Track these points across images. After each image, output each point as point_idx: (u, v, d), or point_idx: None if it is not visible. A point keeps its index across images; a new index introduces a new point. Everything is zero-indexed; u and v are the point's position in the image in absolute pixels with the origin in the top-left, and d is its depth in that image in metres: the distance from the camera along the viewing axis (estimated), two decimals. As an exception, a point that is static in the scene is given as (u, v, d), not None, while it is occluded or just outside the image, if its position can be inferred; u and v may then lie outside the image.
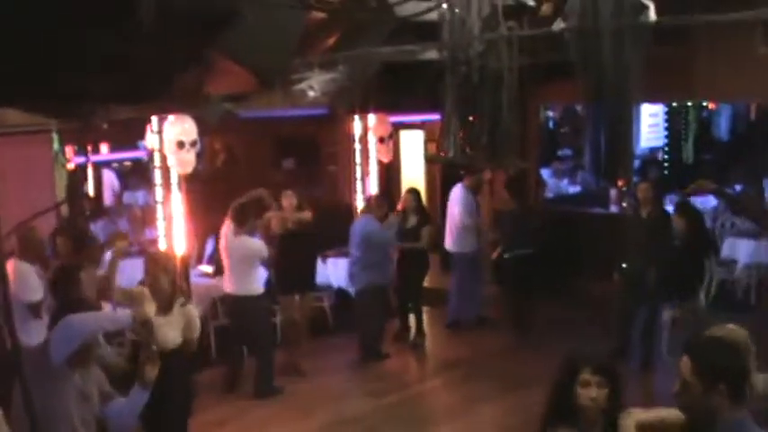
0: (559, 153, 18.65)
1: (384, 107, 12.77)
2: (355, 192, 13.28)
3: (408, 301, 11.93)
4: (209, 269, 11.42)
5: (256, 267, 9.78)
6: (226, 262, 9.79)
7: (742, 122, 20.10)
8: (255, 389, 9.72)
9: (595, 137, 12.92)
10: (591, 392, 3.73)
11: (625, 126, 11.96)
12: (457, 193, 12.26)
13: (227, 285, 9.80)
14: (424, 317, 12.04)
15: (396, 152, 14.41)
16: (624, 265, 10.40)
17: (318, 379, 10.25)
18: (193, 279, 10.84)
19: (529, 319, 11.91)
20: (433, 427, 9.05)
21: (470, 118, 9.02)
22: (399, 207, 11.83)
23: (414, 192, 11.87)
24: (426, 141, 14.93)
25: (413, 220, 11.56)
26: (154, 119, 10.14)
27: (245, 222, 9.65)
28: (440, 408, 9.86)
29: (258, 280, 9.84)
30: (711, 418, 3.40)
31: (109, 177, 13.84)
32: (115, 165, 14.07)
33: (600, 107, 10.48)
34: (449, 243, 12.44)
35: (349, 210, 13.14)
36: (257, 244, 9.77)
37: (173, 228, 10.36)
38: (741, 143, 19.27)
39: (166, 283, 6.60)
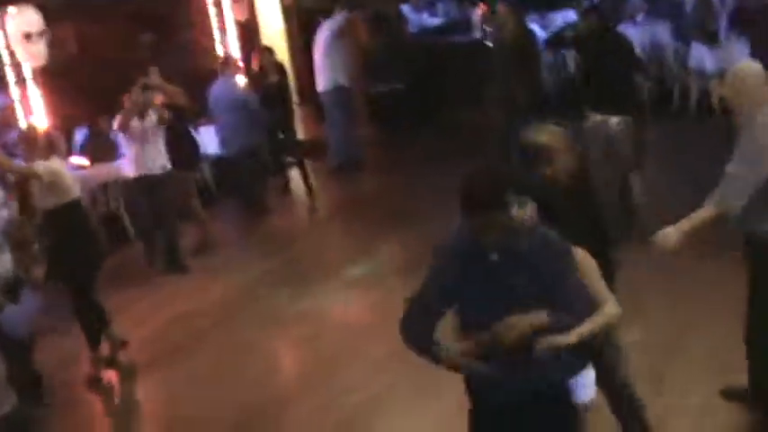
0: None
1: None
2: (216, 55, 12.96)
3: (284, 153, 11.94)
4: (84, 161, 11.03)
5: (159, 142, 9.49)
6: (130, 144, 9.41)
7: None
8: (165, 265, 9.67)
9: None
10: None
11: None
12: (319, 36, 12.11)
13: (134, 167, 9.47)
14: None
15: (251, 9, 14.06)
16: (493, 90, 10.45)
17: (220, 250, 10.21)
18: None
19: (393, 156, 12.01)
20: (337, 271, 9.12)
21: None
22: (257, 66, 11.69)
23: (269, 49, 11.81)
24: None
25: (273, 77, 11.46)
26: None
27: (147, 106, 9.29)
28: (339, 252, 9.97)
29: (164, 156, 9.56)
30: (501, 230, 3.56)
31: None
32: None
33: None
34: (318, 85, 12.29)
35: (214, 75, 12.84)
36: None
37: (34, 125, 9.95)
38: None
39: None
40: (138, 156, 9.37)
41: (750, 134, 4.99)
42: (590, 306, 3.77)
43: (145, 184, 9.51)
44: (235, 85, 10.90)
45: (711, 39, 12.67)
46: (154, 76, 10.05)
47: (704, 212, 5.12)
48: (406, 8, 16.32)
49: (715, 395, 5.64)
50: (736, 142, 5.09)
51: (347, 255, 9.67)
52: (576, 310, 3.68)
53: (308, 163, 12.11)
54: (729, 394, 5.59)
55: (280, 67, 11.70)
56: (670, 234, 5.10)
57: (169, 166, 9.49)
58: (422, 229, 8.95)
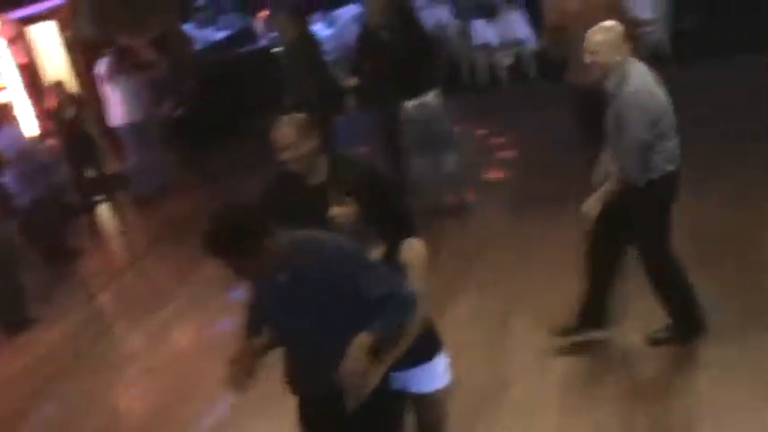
0: (196, 4, 18.31)
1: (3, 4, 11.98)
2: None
3: (93, 190, 11.64)
4: None
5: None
6: None
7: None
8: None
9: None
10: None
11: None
12: (100, 69, 11.82)
13: None
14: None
15: (30, 50, 13.58)
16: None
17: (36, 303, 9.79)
18: None
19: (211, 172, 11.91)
20: (161, 301, 8.94)
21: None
22: (51, 104, 11.35)
23: (59, 83, 11.48)
24: (62, 28, 14.16)
25: (71, 111, 11.16)
26: None
27: None
28: (160, 282, 9.74)
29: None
30: (267, 261, 3.59)
31: None
32: None
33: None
34: (111, 118, 11.97)
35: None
36: None
37: None
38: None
39: None
40: None
41: (621, 105, 5.21)
42: (401, 298, 3.76)
43: None
44: (19, 132, 10.48)
45: (490, 13, 13.08)
46: None
47: (610, 182, 5.39)
48: (189, 27, 16.18)
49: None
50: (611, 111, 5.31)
51: (169, 284, 9.49)
52: (387, 308, 3.69)
53: (118, 197, 11.85)
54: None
55: (76, 101, 11.36)
56: (592, 203, 5.40)
57: None
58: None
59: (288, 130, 4.32)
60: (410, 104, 8.62)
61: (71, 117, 11.13)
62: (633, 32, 7.79)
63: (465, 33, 13.16)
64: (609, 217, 5.44)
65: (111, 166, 12.55)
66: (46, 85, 12.40)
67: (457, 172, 8.87)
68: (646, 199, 5.40)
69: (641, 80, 5.21)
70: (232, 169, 12.05)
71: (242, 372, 3.83)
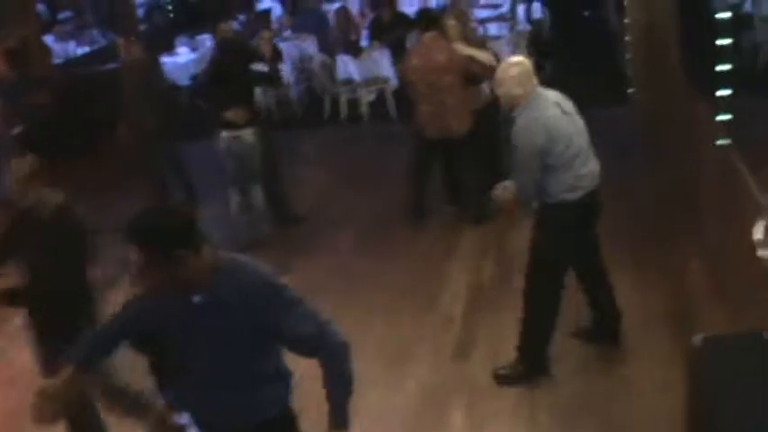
0: (60, 16, 17.92)
1: None
2: None
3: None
4: None
5: None
6: None
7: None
8: None
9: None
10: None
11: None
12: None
13: None
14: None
15: None
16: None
17: None
18: None
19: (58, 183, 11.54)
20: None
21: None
22: None
23: None
24: None
25: None
26: None
27: None
28: None
29: None
30: (186, 278, 3.34)
31: None
32: None
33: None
34: None
35: None
36: None
37: None
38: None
39: None
40: None
41: (517, 141, 5.47)
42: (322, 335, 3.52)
43: None
44: None
45: (355, 49, 13.22)
46: None
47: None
48: (50, 38, 15.76)
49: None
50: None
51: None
52: (310, 346, 3.49)
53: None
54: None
55: None
56: (504, 190, 5.66)
57: None
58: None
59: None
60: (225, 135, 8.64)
61: None
62: (481, 80, 8.28)
63: (329, 67, 13.24)
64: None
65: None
66: None
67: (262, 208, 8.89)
68: (540, 222, 5.68)
69: (539, 111, 5.43)
70: (80, 184, 11.71)
71: (58, 405, 3.51)
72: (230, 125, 8.56)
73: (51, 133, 11.43)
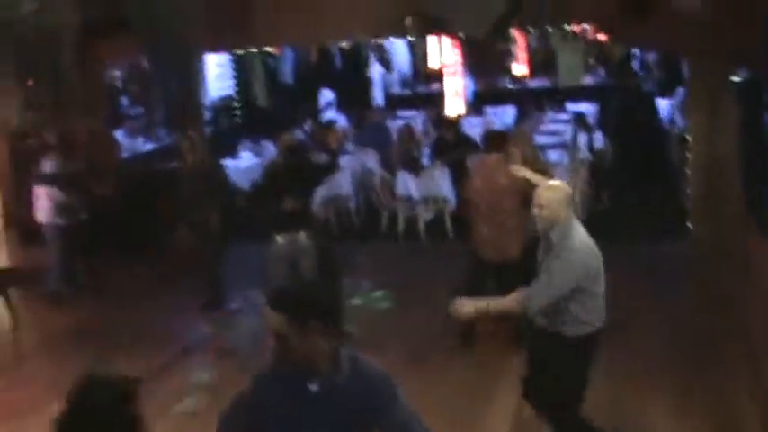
0: (131, 112, 18.37)
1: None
2: None
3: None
4: None
5: None
6: None
7: (305, 66, 20.99)
8: None
9: (160, 90, 12.91)
10: None
11: (187, 76, 12.12)
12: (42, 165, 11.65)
13: None
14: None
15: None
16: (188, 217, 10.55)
17: None
18: None
19: (107, 282, 11.70)
20: (43, 406, 8.54)
21: (30, 81, 8.63)
22: None
23: None
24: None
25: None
26: None
27: None
28: (45, 389, 9.33)
29: None
30: (312, 358, 3.49)
31: None
32: None
33: (160, 60, 10.48)
34: (40, 215, 11.73)
35: None
36: None
37: None
38: (304, 85, 20.17)
39: None
40: None
41: (560, 254, 5.50)
42: None
43: None
44: None
45: (415, 167, 13.34)
46: None
47: (507, 303, 5.68)
48: (120, 133, 16.14)
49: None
50: (546, 256, 5.62)
51: (55, 391, 9.02)
52: None
53: (14, 292, 11.48)
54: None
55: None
56: (466, 304, 5.63)
57: None
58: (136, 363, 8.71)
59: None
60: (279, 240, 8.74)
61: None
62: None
63: (389, 183, 13.36)
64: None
65: (16, 260, 12.21)
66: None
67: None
68: (564, 356, 5.64)
69: (584, 238, 5.57)
70: (142, 284, 11.86)
71: None
72: (285, 230, 8.65)
73: (110, 226, 11.63)
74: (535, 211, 5.62)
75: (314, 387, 3.50)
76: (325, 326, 3.48)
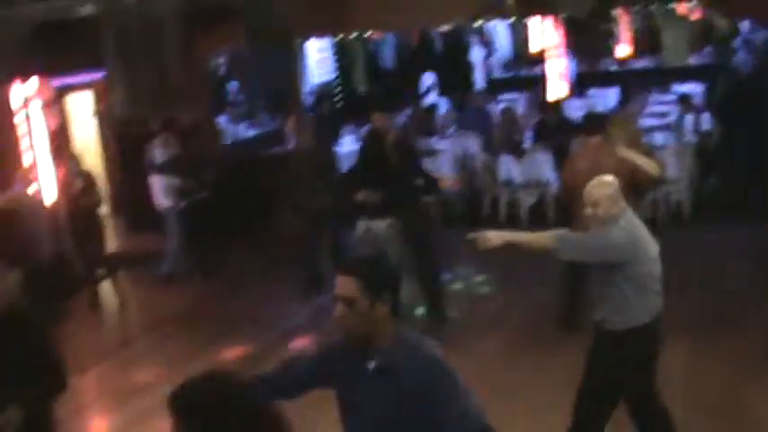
0: (233, 99, 18.62)
1: (45, 70, 12.10)
2: (21, 165, 12.48)
3: (96, 264, 11.54)
4: None
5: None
6: None
7: (406, 50, 20.95)
8: None
9: (261, 76, 13.03)
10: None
11: (287, 62, 12.18)
12: (153, 150, 11.92)
13: None
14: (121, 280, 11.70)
15: (63, 117, 13.77)
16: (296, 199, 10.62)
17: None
18: None
19: (214, 265, 11.89)
20: (142, 390, 8.76)
21: (134, 69, 8.77)
22: (61, 174, 11.42)
23: (74, 156, 11.56)
24: (97, 101, 14.39)
25: (78, 184, 11.18)
26: None
27: None
28: (145, 372, 9.56)
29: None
30: (375, 333, 3.48)
31: None
32: None
33: (260, 47, 10.53)
34: (157, 199, 12.00)
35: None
36: None
37: None
38: (406, 70, 20.12)
39: None
40: None
41: (608, 229, 5.38)
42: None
43: None
44: (26, 194, 10.58)
45: (517, 151, 13.20)
46: None
47: (541, 240, 5.54)
48: (223, 119, 16.39)
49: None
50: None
51: (152, 375, 9.25)
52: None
53: (122, 275, 11.77)
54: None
55: (86, 176, 11.39)
56: (494, 236, 5.46)
57: None
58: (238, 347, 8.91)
59: None
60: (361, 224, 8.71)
61: (77, 190, 11.15)
62: (645, 189, 8.10)
63: (491, 167, 13.24)
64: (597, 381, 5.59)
65: (125, 243, 12.52)
66: (66, 154, 12.47)
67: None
68: (608, 351, 5.50)
69: (634, 221, 5.45)
70: (241, 267, 12.03)
71: None
72: (366, 214, 8.63)
73: (214, 212, 11.81)
74: (588, 210, 5.46)
75: (371, 365, 3.49)
76: (394, 302, 3.49)
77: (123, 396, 8.66)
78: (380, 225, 8.73)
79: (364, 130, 15.82)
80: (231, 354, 9.15)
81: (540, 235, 5.57)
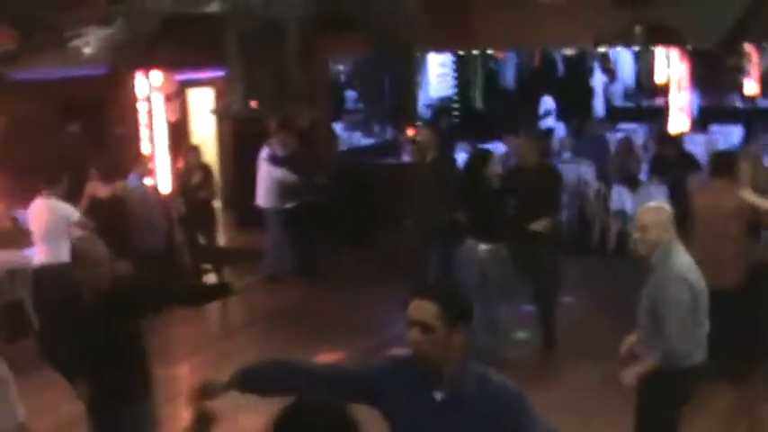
0: (351, 107, 18.73)
1: (168, 64, 12.39)
2: (140, 154, 12.80)
3: (202, 258, 11.72)
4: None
5: (65, 233, 9.28)
6: (36, 228, 9.33)
7: (527, 71, 20.77)
8: None
9: (380, 87, 13.15)
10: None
11: (407, 74, 12.20)
12: (267, 150, 12.09)
13: (40, 254, 9.29)
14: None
15: (183, 111, 14.07)
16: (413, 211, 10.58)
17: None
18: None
19: (319, 268, 11.95)
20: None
21: (254, 69, 8.87)
22: (181, 164, 11.64)
23: (195, 148, 11.74)
24: (217, 98, 14.66)
25: (196, 177, 11.35)
26: None
27: (55, 185, 9.20)
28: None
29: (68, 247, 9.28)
30: (448, 362, 3.37)
31: None
32: None
33: (381, 57, 10.58)
34: (262, 199, 12.18)
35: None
36: (66, 207, 9.33)
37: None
38: (526, 91, 19.94)
39: None
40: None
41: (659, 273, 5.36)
42: None
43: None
44: (139, 186, 10.82)
45: (632, 182, 12.94)
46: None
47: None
48: (339, 126, 16.50)
49: None
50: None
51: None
52: None
53: (227, 270, 11.94)
54: None
55: (205, 169, 11.60)
56: (630, 375, 5.46)
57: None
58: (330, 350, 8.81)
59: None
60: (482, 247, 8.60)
61: (195, 183, 11.33)
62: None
63: (603, 196, 13.02)
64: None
65: (233, 239, 12.70)
66: (186, 146, 12.73)
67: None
68: (668, 387, 5.38)
69: (684, 259, 5.38)
70: (344, 272, 12.08)
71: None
72: (473, 234, 8.52)
73: (323, 216, 11.90)
74: (637, 234, 5.44)
75: (439, 396, 3.38)
76: (468, 333, 3.39)
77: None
78: (483, 247, 8.63)
79: (483, 147, 15.79)
80: (325, 357, 9.15)
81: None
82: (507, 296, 8.65)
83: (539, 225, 8.96)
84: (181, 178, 11.65)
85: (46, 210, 9.26)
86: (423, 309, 3.35)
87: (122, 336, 5.38)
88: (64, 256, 9.10)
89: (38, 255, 9.38)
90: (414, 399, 3.42)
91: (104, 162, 10.72)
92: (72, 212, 9.37)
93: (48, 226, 9.25)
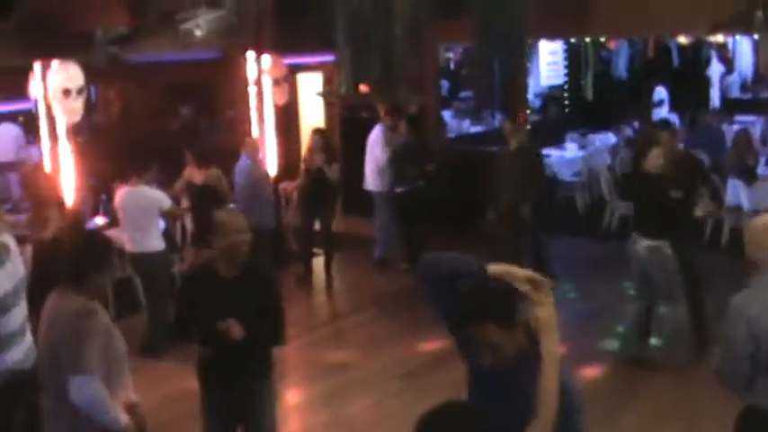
0: (461, 94, 18.62)
1: (278, 48, 12.46)
2: (250, 136, 12.92)
3: (314, 242, 11.75)
4: (101, 221, 11.02)
5: (155, 220, 9.42)
6: (122, 216, 9.43)
7: (640, 60, 20.34)
8: (141, 346, 9.07)
9: (489, 73, 13.01)
10: None
11: (517, 62, 12.02)
12: (377, 133, 12.09)
13: (126, 242, 9.37)
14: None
15: (293, 95, 14.15)
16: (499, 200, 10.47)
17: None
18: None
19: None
20: (332, 374, 8.88)
21: (363, 53, 8.83)
22: (306, 147, 11.66)
23: (319, 131, 11.73)
24: (326, 83, 14.70)
25: (319, 160, 11.33)
26: (37, 66, 9.70)
27: (145, 172, 9.30)
28: (347, 351, 9.70)
29: (158, 235, 9.47)
30: (519, 364, 3.41)
31: (8, 131, 13.22)
32: (20, 118, 13.21)
33: (492, 44, 10.43)
34: (372, 183, 12.20)
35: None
36: (156, 194, 9.42)
37: (61, 180, 9.97)
38: (639, 81, 19.52)
39: None
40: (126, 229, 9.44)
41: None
42: None
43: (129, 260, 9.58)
44: (249, 165, 10.89)
45: (749, 176, 12.51)
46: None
47: None
48: (447, 113, 16.41)
49: None
50: None
51: (348, 355, 9.43)
52: None
53: (336, 254, 11.98)
54: None
55: (328, 151, 11.51)
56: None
57: (160, 246, 9.40)
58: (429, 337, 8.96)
59: None
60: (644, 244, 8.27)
61: (318, 166, 11.29)
62: None
63: (718, 190, 12.62)
64: None
65: (339, 225, 12.74)
66: (301, 131, 12.78)
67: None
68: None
69: None
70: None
71: None
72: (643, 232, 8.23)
73: (429, 202, 11.84)
74: (757, 254, 4.79)
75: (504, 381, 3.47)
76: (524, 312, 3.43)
77: (317, 371, 8.82)
78: (645, 243, 8.32)
79: (592, 138, 15.52)
80: (428, 346, 9.13)
81: None
82: (669, 296, 8.34)
83: (702, 209, 8.68)
84: (305, 162, 11.60)
85: (132, 199, 9.28)
86: (483, 332, 3.38)
87: (261, 310, 5.39)
88: (154, 244, 9.30)
89: (127, 244, 9.40)
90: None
91: (200, 148, 10.83)
92: (163, 199, 9.41)
93: (134, 214, 9.29)
